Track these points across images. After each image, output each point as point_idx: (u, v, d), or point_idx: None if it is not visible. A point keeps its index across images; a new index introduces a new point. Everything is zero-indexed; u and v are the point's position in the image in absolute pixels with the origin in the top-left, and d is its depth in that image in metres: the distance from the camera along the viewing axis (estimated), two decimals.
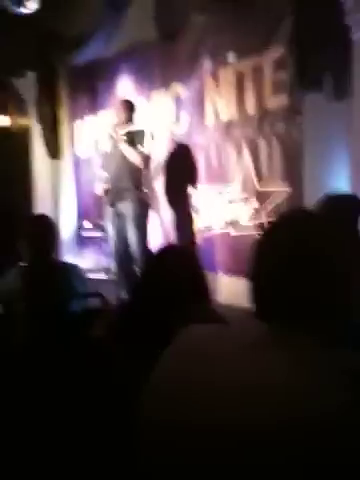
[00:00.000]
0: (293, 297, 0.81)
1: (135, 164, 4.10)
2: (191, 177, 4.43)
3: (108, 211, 4.27)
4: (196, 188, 4.45)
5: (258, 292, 0.86)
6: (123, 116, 4.21)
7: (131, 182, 4.11)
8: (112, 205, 4.16)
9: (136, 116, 4.33)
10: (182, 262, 1.69)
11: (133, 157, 4.10)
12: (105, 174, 4.32)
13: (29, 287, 2.55)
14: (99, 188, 4.31)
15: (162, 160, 4.64)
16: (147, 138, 4.15)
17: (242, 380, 0.76)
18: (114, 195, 4.14)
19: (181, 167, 4.51)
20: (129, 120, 4.24)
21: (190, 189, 4.47)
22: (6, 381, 1.99)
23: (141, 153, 4.10)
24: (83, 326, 2.37)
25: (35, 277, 2.59)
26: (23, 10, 4.71)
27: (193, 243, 4.42)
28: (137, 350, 1.52)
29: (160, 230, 4.85)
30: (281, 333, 0.80)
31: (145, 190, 4.18)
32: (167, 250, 2.06)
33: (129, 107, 4.30)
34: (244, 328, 0.89)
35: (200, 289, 1.71)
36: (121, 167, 4.12)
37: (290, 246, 0.83)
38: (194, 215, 4.50)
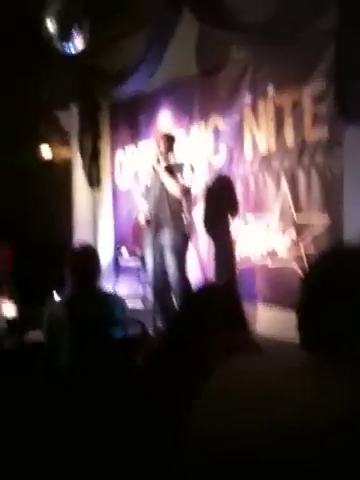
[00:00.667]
0: (341, 330, 0.82)
1: (175, 195, 4.16)
2: (231, 207, 4.46)
3: (148, 240, 4.32)
4: (235, 219, 4.48)
5: (306, 322, 0.88)
6: (164, 148, 4.29)
7: (171, 212, 4.16)
8: (152, 235, 4.22)
9: (176, 148, 4.41)
10: (223, 301, 1.72)
11: (173, 188, 4.16)
12: (146, 204, 4.40)
13: (72, 316, 2.59)
14: (142, 218, 4.37)
15: (201, 191, 4.70)
16: (187, 170, 4.22)
17: (287, 416, 0.77)
18: (154, 225, 4.20)
19: (221, 197, 4.54)
20: (170, 152, 4.32)
21: (230, 219, 4.50)
22: (50, 407, 2.02)
23: (180, 185, 4.16)
24: (124, 354, 2.40)
25: (78, 306, 2.64)
26: (71, 50, 4.88)
27: (232, 274, 4.41)
28: (177, 381, 1.53)
29: (199, 261, 4.86)
30: (328, 364, 0.81)
31: (185, 220, 4.21)
32: (209, 288, 2.09)
33: (170, 139, 4.38)
34: (284, 359, 0.91)
35: (238, 324, 1.72)
36: (161, 198, 4.18)
37: (342, 280, 0.85)
38: (234, 246, 4.51)
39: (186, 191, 4.20)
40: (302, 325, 0.89)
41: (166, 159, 4.27)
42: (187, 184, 4.20)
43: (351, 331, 0.82)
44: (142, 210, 4.45)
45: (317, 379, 0.80)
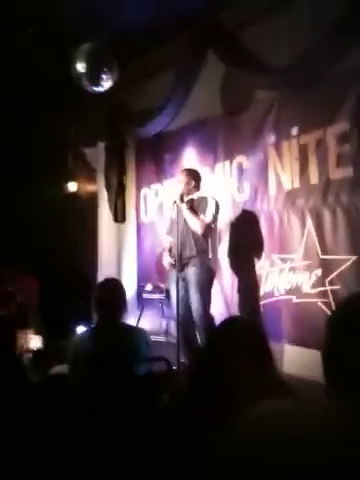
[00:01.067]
0: None
1: (197, 232, 4.18)
2: (256, 244, 4.48)
3: (172, 275, 4.35)
4: (260, 255, 4.49)
5: (332, 368, 0.88)
6: (188, 183, 4.32)
7: (195, 248, 4.17)
8: (177, 270, 4.23)
9: (201, 185, 4.45)
10: (246, 333, 1.72)
11: (194, 225, 4.19)
12: (170, 239, 4.45)
13: (97, 348, 2.62)
14: (166, 260, 4.41)
15: (226, 227, 4.73)
16: (210, 206, 4.23)
17: (315, 459, 0.78)
18: (179, 260, 4.23)
19: (246, 234, 4.58)
20: (194, 188, 4.35)
21: (255, 256, 4.51)
22: (74, 440, 2.02)
23: (203, 222, 4.17)
24: (149, 390, 2.40)
25: (103, 339, 2.66)
26: (99, 89, 5.04)
27: (257, 311, 4.41)
28: (205, 418, 1.53)
29: (222, 296, 4.86)
30: (353, 411, 0.81)
31: (209, 256, 4.23)
32: (232, 320, 2.10)
33: (194, 175, 4.42)
34: (312, 403, 0.89)
35: (264, 359, 1.72)
36: (185, 234, 4.21)
37: None
38: (259, 282, 4.51)
39: (207, 228, 4.19)
40: (326, 370, 0.89)
41: (189, 194, 4.31)
42: (209, 221, 4.20)
43: None
44: (166, 247, 4.50)
45: (343, 424, 0.80)
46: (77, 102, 6.12)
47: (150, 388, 2.39)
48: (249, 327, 1.79)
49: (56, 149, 6.56)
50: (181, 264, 4.22)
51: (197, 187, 4.38)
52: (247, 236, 4.58)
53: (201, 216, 4.20)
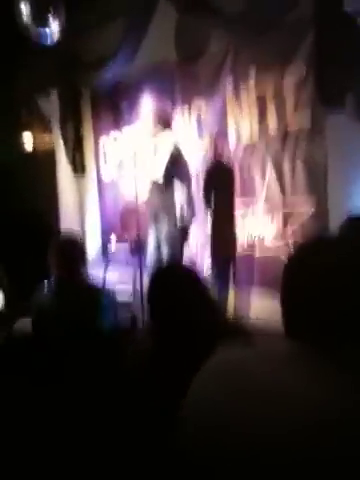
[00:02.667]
0: (326, 317, 0.84)
1: (160, 183, 4.04)
2: (225, 192, 4.39)
3: (150, 228, 4.28)
4: (232, 203, 4.42)
5: (291, 310, 0.90)
6: (154, 126, 4.11)
7: (161, 203, 4.09)
8: (152, 223, 4.19)
9: (168, 125, 4.22)
10: (182, 281, 1.73)
11: (154, 173, 4.05)
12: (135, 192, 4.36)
13: (58, 306, 2.59)
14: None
15: (195, 176, 4.56)
16: (163, 157, 4.00)
17: (278, 398, 0.80)
18: (152, 214, 4.18)
19: (213, 182, 4.50)
20: (160, 131, 4.13)
21: (226, 204, 4.45)
22: (35, 401, 2.03)
23: (165, 173, 3.99)
24: (114, 345, 2.41)
25: (65, 295, 2.63)
26: (47, 36, 4.79)
27: (233, 257, 4.38)
28: (167, 374, 1.55)
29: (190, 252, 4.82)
30: (313, 351, 0.83)
31: (179, 209, 4.09)
32: (166, 269, 2.10)
33: (161, 116, 4.19)
34: (272, 345, 0.92)
35: (208, 304, 1.74)
36: (153, 186, 4.11)
37: (326, 268, 0.86)
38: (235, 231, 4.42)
39: (167, 177, 3.98)
40: (285, 312, 0.91)
41: (153, 137, 4.12)
42: (157, 179, 4.01)
43: (332, 318, 0.84)
44: (128, 201, 4.42)
45: (302, 366, 0.82)
46: (28, 48, 5.82)
47: (114, 345, 2.40)
48: (188, 274, 1.79)
49: (7, 99, 6.27)
50: (153, 216, 4.16)
51: (166, 126, 4.16)
52: (218, 186, 4.50)
53: (160, 165, 4.00)
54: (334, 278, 0.85)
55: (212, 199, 4.37)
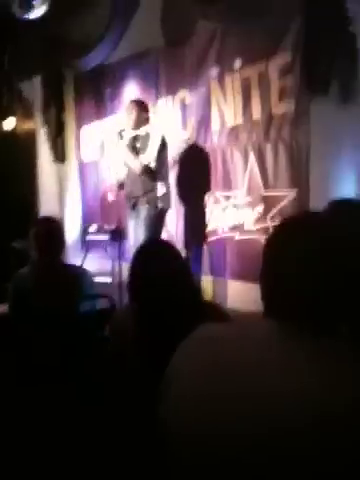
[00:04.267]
0: (306, 297, 0.82)
1: (136, 172, 4.05)
2: (202, 180, 4.43)
3: (128, 213, 4.29)
4: (207, 192, 4.45)
5: (270, 290, 0.88)
6: (138, 116, 4.13)
7: (141, 187, 4.09)
8: (130, 208, 4.20)
9: (149, 117, 4.25)
10: (167, 254, 1.72)
11: (132, 165, 4.08)
12: (116, 177, 4.36)
13: (37, 288, 2.56)
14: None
15: (171, 164, 4.61)
16: (152, 145, 4.05)
17: (260, 369, 0.79)
18: (130, 198, 4.17)
19: (192, 170, 4.50)
20: (145, 120, 4.16)
21: (201, 192, 4.47)
22: (14, 383, 2.00)
23: (140, 162, 4.02)
24: (92, 327, 2.39)
25: (42, 278, 2.61)
26: (31, 15, 4.73)
27: (203, 245, 4.43)
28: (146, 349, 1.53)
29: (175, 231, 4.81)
30: (293, 330, 0.82)
31: (158, 194, 4.11)
32: (151, 243, 2.09)
33: (144, 106, 4.22)
34: (254, 325, 0.90)
35: (190, 281, 1.73)
36: (132, 172, 4.11)
37: (306, 247, 0.84)
38: (206, 219, 4.49)
39: (147, 168, 4.03)
40: (264, 293, 0.89)
41: (137, 128, 4.13)
42: (147, 162, 4.02)
43: (309, 300, 0.82)
44: (112, 184, 4.40)
45: (281, 343, 0.81)
46: (9, 31, 5.72)
47: (93, 325, 2.38)
48: (170, 248, 1.78)
49: None
50: (132, 201, 4.17)
51: (148, 120, 4.20)
52: (193, 173, 4.51)
53: (140, 156, 4.05)
54: (316, 256, 0.83)
55: (187, 185, 4.43)
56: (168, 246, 1.79)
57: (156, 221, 4.13)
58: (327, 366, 0.75)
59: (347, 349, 0.80)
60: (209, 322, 0.99)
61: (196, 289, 1.85)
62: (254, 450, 0.74)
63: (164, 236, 4.53)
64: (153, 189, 4.09)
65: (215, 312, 1.67)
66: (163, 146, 4.10)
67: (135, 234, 4.22)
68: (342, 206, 2.26)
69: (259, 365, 0.79)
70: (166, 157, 4.21)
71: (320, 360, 0.76)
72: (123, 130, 4.14)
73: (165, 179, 4.18)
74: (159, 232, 4.20)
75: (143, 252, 1.76)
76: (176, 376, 0.92)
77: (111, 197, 5.57)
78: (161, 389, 0.94)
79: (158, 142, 4.06)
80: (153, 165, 4.03)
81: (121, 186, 4.29)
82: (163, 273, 1.60)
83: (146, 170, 4.03)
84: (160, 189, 4.11)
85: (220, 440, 0.78)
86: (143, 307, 1.63)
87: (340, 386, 0.72)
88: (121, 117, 4.44)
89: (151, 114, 4.73)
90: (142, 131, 4.17)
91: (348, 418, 0.69)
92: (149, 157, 4.02)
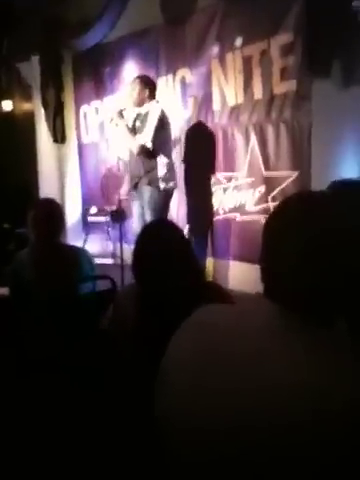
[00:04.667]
0: (304, 283, 0.80)
1: (136, 153, 4.01)
2: (206, 160, 4.37)
3: (132, 194, 4.26)
4: (212, 171, 4.40)
5: (269, 273, 0.85)
6: (141, 92, 4.03)
7: (143, 167, 4.05)
8: (132, 188, 4.17)
9: (154, 93, 4.15)
10: (172, 234, 1.71)
11: (129, 145, 4.03)
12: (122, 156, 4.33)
13: (36, 270, 2.56)
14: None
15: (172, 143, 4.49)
16: (150, 124, 3.96)
17: (258, 363, 0.77)
18: (132, 179, 4.14)
19: (195, 150, 4.44)
20: (149, 97, 4.06)
21: (205, 172, 4.42)
22: (14, 365, 2.00)
23: (137, 142, 3.97)
24: (93, 308, 2.39)
25: (42, 260, 2.59)
26: None
27: (210, 226, 4.40)
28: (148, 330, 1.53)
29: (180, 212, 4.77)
30: (293, 316, 0.80)
31: (160, 174, 4.06)
32: (157, 223, 2.08)
33: (148, 82, 4.11)
34: (254, 309, 0.88)
35: (194, 263, 1.72)
36: (135, 152, 4.06)
37: (305, 231, 0.80)
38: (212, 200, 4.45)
39: (144, 148, 3.96)
40: (263, 277, 0.87)
41: (138, 105, 4.05)
42: (144, 141, 3.95)
43: (307, 286, 0.79)
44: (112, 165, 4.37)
45: (280, 339, 0.79)
46: (8, 12, 5.64)
47: (94, 306, 2.38)
48: (174, 229, 1.77)
49: None
50: (132, 184, 4.14)
51: (152, 96, 4.10)
52: (198, 152, 4.46)
53: (137, 135, 4.00)
54: (316, 242, 0.79)
55: (191, 167, 4.38)
56: (172, 226, 1.78)
57: (161, 203, 4.09)
58: (326, 358, 0.74)
59: (346, 341, 0.78)
60: (210, 303, 0.98)
61: (198, 270, 1.84)
62: (253, 444, 0.73)
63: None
64: (153, 169, 4.03)
65: (217, 293, 1.66)
66: (162, 125, 3.99)
67: (139, 215, 4.20)
68: (343, 187, 2.25)
69: (258, 356, 0.78)
70: (168, 136, 4.13)
71: (319, 352, 0.75)
72: (123, 109, 4.09)
73: (168, 158, 4.09)
74: (165, 214, 4.15)
75: (146, 232, 1.76)
76: (172, 366, 0.91)
77: (112, 178, 5.54)
78: (158, 377, 0.93)
79: (155, 121, 3.96)
80: (150, 145, 3.95)
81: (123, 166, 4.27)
82: (165, 253, 1.60)
83: (143, 150, 3.98)
84: (161, 169, 4.05)
85: (217, 435, 0.77)
86: (145, 287, 1.63)
87: (339, 379, 0.71)
88: (122, 96, 4.36)
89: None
90: (144, 109, 4.08)
91: (347, 412, 0.68)
92: (145, 137, 3.95)
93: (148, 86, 4.08)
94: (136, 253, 1.69)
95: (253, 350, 0.79)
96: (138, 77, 4.20)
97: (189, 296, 1.46)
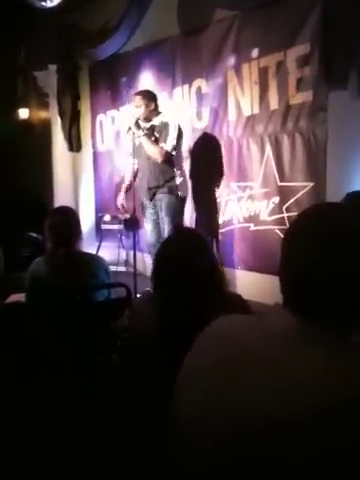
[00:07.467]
0: (329, 294, 0.80)
1: (157, 160, 4.06)
2: (216, 171, 4.43)
3: (145, 204, 4.29)
4: (220, 182, 4.46)
5: (288, 285, 0.86)
6: (147, 106, 4.10)
7: (162, 177, 4.10)
8: (148, 198, 4.20)
9: (160, 106, 4.25)
10: (198, 243, 1.70)
11: (153, 153, 4.07)
12: (134, 166, 4.36)
13: (53, 276, 2.57)
14: (119, 200, 4.46)
15: (186, 154, 4.59)
16: (172, 133, 4.05)
17: (276, 372, 0.78)
18: (147, 189, 4.17)
19: (206, 160, 4.50)
20: (154, 111, 4.15)
21: (214, 182, 4.47)
22: (30, 370, 2.01)
23: (161, 149, 4.04)
24: (108, 316, 2.40)
25: (58, 267, 2.61)
26: (47, 5, 4.73)
27: (215, 237, 4.43)
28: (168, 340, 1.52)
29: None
30: (312, 327, 0.80)
31: (177, 183, 4.14)
32: (183, 231, 2.08)
33: (151, 97, 4.18)
34: (274, 320, 0.88)
35: (217, 272, 1.71)
36: (150, 162, 4.11)
37: (329, 240, 0.81)
38: (218, 210, 4.51)
39: (168, 155, 4.06)
40: (282, 288, 0.87)
41: (149, 119, 4.14)
42: (169, 149, 4.05)
43: (331, 293, 0.80)
44: (124, 179, 4.43)
45: (299, 349, 0.79)
46: (26, 21, 5.72)
47: (109, 313, 2.39)
48: (198, 237, 1.77)
49: (4, 73, 6.18)
50: (150, 193, 4.18)
51: (156, 110, 4.19)
52: (207, 163, 4.50)
53: (161, 144, 4.06)
54: (340, 248, 0.80)
55: (200, 175, 4.42)
56: (196, 235, 1.77)
57: (178, 210, 4.15)
58: (345, 368, 0.74)
59: None
60: (231, 314, 0.99)
61: (220, 280, 1.83)
62: (269, 453, 0.73)
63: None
64: (173, 178, 4.13)
65: (238, 303, 1.66)
66: (180, 135, 4.11)
67: (153, 223, 4.22)
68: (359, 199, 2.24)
69: (278, 366, 0.78)
70: (181, 146, 4.23)
71: (339, 362, 0.75)
72: (139, 119, 4.13)
73: (181, 168, 4.22)
74: (181, 221, 4.21)
75: (171, 239, 1.75)
76: (192, 373, 0.91)
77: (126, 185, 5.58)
78: (176, 385, 0.94)
79: (176, 131, 4.06)
80: (174, 153, 4.08)
81: (135, 176, 4.30)
82: (189, 262, 1.58)
83: (168, 158, 4.06)
84: (178, 177, 4.15)
85: (234, 440, 0.78)
86: (166, 296, 1.62)
87: (356, 387, 0.72)
88: (134, 107, 4.41)
89: (168, 102, 4.72)
90: (157, 121, 4.16)
91: None
92: (169, 145, 4.04)
93: (150, 100, 4.15)
94: (159, 260, 1.68)
95: (272, 360, 0.79)
96: (139, 93, 4.24)
97: (210, 305, 1.46)
